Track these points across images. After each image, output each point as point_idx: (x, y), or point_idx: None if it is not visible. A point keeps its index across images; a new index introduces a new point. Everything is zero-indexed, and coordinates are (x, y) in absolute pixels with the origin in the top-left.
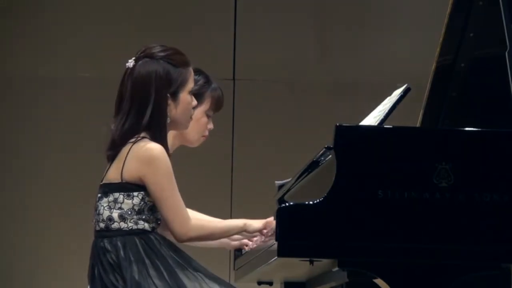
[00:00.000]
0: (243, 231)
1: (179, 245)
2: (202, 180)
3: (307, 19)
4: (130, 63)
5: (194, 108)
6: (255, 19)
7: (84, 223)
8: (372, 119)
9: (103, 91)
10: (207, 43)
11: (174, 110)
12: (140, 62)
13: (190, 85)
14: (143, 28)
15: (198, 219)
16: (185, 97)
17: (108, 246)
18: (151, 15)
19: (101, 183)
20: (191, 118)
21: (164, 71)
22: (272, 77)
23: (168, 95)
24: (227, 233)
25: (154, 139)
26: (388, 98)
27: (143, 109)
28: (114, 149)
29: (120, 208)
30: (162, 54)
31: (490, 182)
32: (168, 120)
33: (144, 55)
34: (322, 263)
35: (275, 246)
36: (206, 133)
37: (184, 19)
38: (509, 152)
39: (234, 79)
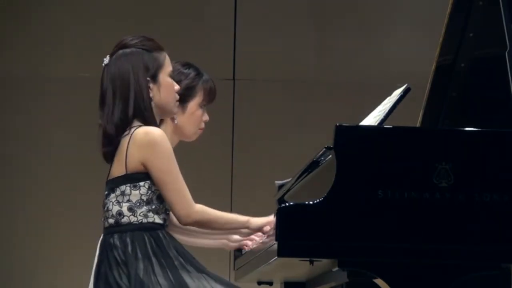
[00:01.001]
0: (245, 227)
1: (185, 246)
2: (202, 180)
3: (307, 19)
4: (106, 60)
5: (187, 102)
6: (255, 19)
7: (84, 222)
8: (372, 119)
9: None
10: (207, 43)
11: (158, 94)
12: (114, 56)
13: (168, 68)
14: (143, 28)
15: (202, 205)
16: (166, 79)
17: (117, 242)
18: (151, 15)
19: (107, 180)
20: (177, 102)
21: (139, 56)
22: (272, 77)
23: (148, 78)
24: (229, 224)
25: (148, 123)
26: (388, 98)
27: (126, 97)
28: (109, 144)
29: (128, 201)
30: (133, 42)
31: (490, 182)
32: (154, 105)
33: (117, 48)
34: (322, 263)
35: (275, 246)
36: (202, 125)
37: (184, 19)
38: (509, 152)
39: (234, 79)
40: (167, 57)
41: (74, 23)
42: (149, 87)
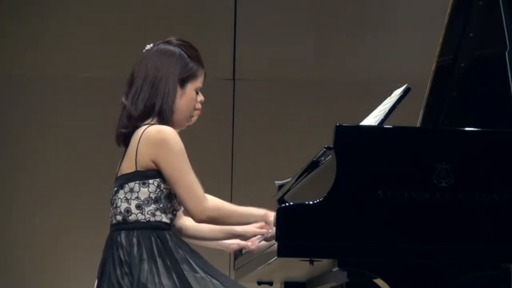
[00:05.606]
0: (263, 221)
1: (192, 246)
2: (202, 180)
3: (307, 19)
4: (148, 46)
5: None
6: (255, 19)
7: (87, 221)
8: (372, 119)
9: (103, 91)
10: (207, 43)
11: (179, 99)
12: (156, 46)
13: (199, 83)
14: (143, 28)
15: (217, 199)
16: (192, 91)
17: (123, 241)
18: (151, 15)
19: (117, 177)
20: (190, 118)
21: (179, 58)
22: (272, 77)
23: (177, 80)
24: (245, 218)
25: (164, 122)
26: (388, 98)
27: (156, 88)
28: (127, 126)
29: (137, 198)
30: (178, 43)
31: (490, 182)
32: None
33: (162, 42)
34: (322, 263)
35: (275, 246)
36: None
37: (184, 18)
38: (509, 152)
39: (234, 79)
40: (203, 74)
41: (74, 23)
42: (176, 88)
